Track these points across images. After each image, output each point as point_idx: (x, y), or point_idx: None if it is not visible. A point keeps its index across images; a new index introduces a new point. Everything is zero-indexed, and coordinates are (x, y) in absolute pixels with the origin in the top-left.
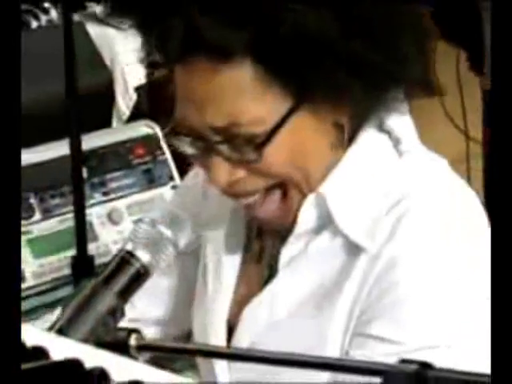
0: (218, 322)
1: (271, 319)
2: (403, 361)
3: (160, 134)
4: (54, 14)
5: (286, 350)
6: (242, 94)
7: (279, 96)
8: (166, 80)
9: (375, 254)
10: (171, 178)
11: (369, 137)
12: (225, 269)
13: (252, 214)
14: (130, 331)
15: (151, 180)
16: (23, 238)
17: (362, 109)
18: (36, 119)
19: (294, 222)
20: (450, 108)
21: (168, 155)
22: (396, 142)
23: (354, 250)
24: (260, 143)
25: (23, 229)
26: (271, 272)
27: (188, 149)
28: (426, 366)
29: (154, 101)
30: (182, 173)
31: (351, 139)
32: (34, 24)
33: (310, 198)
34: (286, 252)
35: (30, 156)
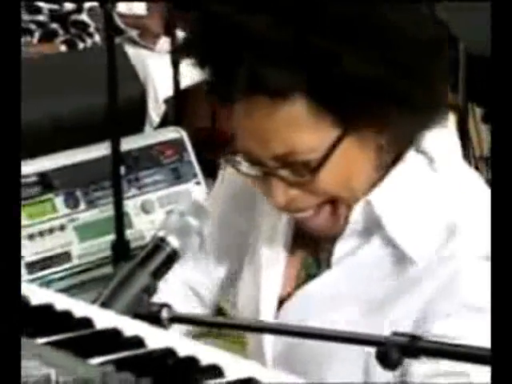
0: (270, 297)
1: (318, 306)
2: (395, 333)
3: (185, 138)
4: (97, 37)
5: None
6: (299, 127)
7: (329, 127)
8: (193, 93)
9: (427, 268)
10: (195, 176)
11: (410, 157)
12: (276, 252)
13: (304, 226)
14: (162, 305)
15: (178, 177)
16: (71, 225)
17: (400, 133)
18: (82, 125)
19: (343, 227)
20: None
21: (192, 156)
22: (430, 161)
23: (402, 261)
24: (314, 167)
25: (71, 217)
26: (318, 261)
27: (248, 172)
28: (415, 338)
29: (181, 110)
30: (205, 171)
31: (394, 161)
32: (81, 45)
33: (359, 205)
34: (339, 249)
35: (76, 156)
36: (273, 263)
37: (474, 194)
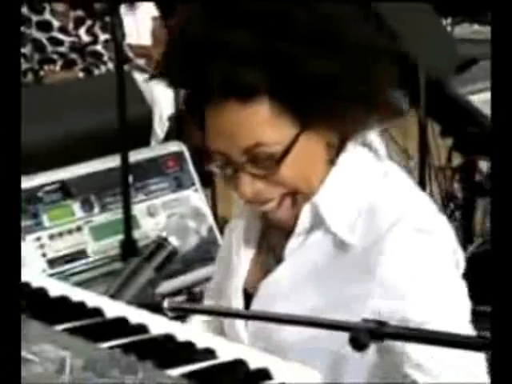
0: (236, 291)
1: (280, 292)
2: (365, 320)
3: (185, 151)
4: (110, 65)
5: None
6: (263, 124)
7: (289, 124)
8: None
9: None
10: (193, 184)
11: (353, 151)
12: (241, 255)
13: (269, 217)
14: (164, 296)
15: (179, 185)
16: (86, 226)
17: (349, 131)
18: (96, 140)
19: (295, 223)
20: (395, 134)
21: (191, 167)
22: (375, 152)
23: (339, 244)
24: (277, 160)
25: (86, 220)
26: (276, 259)
27: (219, 171)
28: (382, 323)
29: (181, 127)
30: (202, 179)
31: (338, 155)
32: (96, 72)
33: (307, 206)
34: (290, 245)
35: (91, 167)
36: (240, 263)
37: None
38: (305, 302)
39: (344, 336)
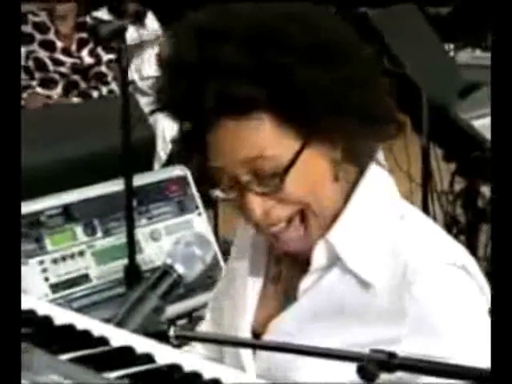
0: (243, 330)
1: (290, 334)
2: (374, 351)
3: (189, 175)
4: (113, 85)
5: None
6: (264, 136)
7: (291, 137)
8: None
9: (384, 289)
10: (197, 208)
11: (366, 189)
12: (249, 288)
13: (278, 242)
14: (170, 324)
15: (182, 209)
16: (89, 251)
17: (353, 147)
18: (99, 164)
19: (308, 258)
20: (398, 158)
21: (194, 191)
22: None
23: (360, 285)
24: (281, 176)
25: (89, 244)
26: (288, 296)
27: (224, 195)
28: (392, 355)
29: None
30: (205, 204)
31: (357, 181)
32: (95, 94)
33: (321, 244)
34: (304, 283)
35: (94, 191)
36: (249, 299)
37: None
38: (320, 345)
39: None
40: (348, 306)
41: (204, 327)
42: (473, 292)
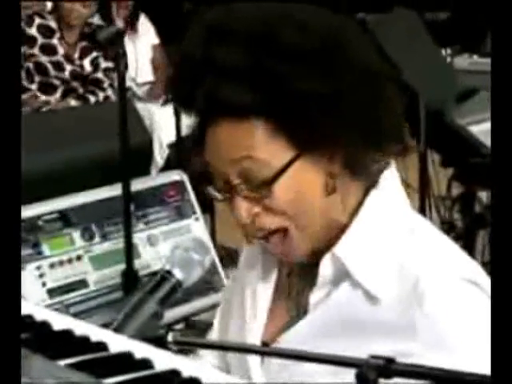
0: (253, 341)
1: (302, 347)
2: (373, 356)
3: (186, 180)
4: (109, 91)
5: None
6: (256, 140)
7: (284, 145)
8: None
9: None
10: (194, 213)
11: (374, 202)
12: (259, 297)
13: (267, 243)
14: (168, 330)
15: (179, 214)
16: (87, 256)
17: (350, 161)
18: (97, 169)
19: (316, 272)
20: (396, 164)
21: (192, 196)
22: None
23: (369, 299)
24: (269, 181)
25: (87, 249)
26: (299, 309)
27: (217, 194)
28: (390, 360)
29: (181, 156)
30: (202, 208)
31: (361, 202)
32: (92, 99)
33: (327, 257)
34: (314, 297)
35: (91, 196)
36: (259, 309)
37: (422, 231)
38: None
39: None
40: (358, 321)
41: (212, 336)
42: (485, 307)
